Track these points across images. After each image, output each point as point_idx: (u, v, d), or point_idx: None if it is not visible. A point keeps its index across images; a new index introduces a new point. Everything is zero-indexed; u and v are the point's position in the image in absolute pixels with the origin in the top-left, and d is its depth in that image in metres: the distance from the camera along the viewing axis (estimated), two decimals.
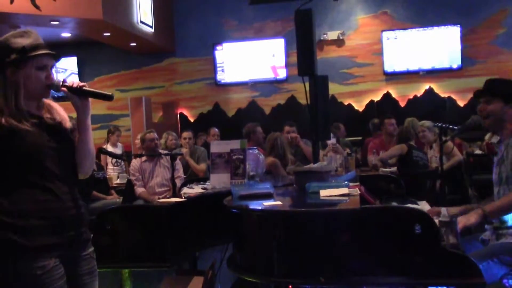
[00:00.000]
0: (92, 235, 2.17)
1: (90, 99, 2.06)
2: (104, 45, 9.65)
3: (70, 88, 2.00)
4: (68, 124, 2.09)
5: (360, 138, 8.41)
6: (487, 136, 7.52)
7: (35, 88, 1.97)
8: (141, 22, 9.01)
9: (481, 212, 2.51)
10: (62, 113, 2.11)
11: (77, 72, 10.52)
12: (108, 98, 2.04)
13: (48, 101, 2.09)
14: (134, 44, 9.59)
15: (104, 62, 10.60)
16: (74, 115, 2.11)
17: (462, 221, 2.45)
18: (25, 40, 1.96)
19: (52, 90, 2.03)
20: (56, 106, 2.12)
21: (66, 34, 8.80)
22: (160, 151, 5.85)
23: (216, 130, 7.81)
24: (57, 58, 2.05)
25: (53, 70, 2.04)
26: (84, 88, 2.01)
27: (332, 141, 5.19)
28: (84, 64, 10.71)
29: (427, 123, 6.03)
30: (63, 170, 2.01)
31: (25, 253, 1.88)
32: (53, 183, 1.96)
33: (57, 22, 7.71)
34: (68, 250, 2.00)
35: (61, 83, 2.00)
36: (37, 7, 6.78)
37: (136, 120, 9.40)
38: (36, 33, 2.03)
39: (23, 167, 1.93)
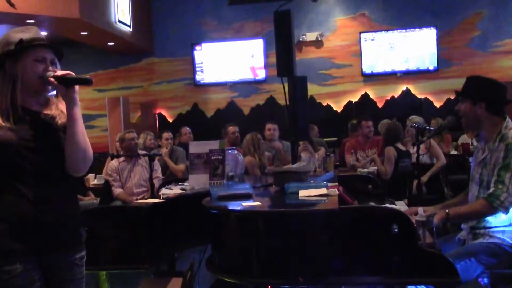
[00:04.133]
0: (83, 239, 2.10)
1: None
2: (81, 44, 9.52)
3: (56, 78, 1.97)
4: (62, 120, 2.02)
5: (335, 138, 8.47)
6: (461, 138, 7.66)
7: (32, 80, 1.96)
8: (119, 21, 8.91)
9: (444, 215, 2.55)
10: (61, 107, 2.05)
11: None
12: (86, 81, 2.00)
13: (51, 97, 2.06)
14: (112, 43, 9.49)
15: (81, 61, 10.39)
16: None
17: None
18: (25, 34, 1.99)
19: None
20: (57, 101, 2.07)
21: (42, 33, 8.65)
22: (139, 151, 5.81)
23: (188, 128, 7.72)
24: (58, 52, 2.09)
25: (56, 64, 2.05)
26: (68, 76, 1.98)
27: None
28: (60, 63, 10.51)
29: (417, 118, 6.01)
30: (44, 170, 1.95)
31: None
32: (24, 182, 1.90)
33: (33, 21, 7.56)
34: (43, 255, 1.94)
35: (52, 74, 1.98)
36: (12, 5, 6.65)
37: (113, 120, 9.30)
38: (36, 28, 2.06)
39: None
